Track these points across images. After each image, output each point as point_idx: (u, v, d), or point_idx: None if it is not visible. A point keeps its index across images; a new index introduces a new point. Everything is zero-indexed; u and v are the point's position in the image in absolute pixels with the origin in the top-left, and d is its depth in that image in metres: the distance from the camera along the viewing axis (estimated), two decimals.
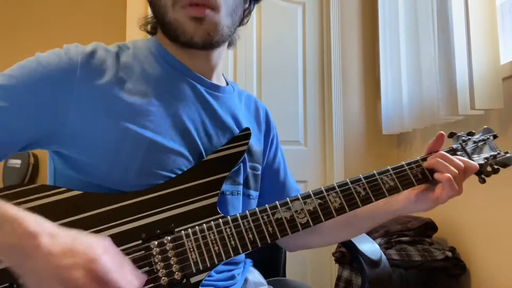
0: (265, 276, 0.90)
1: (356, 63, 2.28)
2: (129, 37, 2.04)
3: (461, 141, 0.79)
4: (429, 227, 1.64)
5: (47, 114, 0.62)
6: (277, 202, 0.66)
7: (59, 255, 0.46)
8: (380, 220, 0.78)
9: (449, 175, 0.67)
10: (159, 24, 0.73)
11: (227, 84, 0.83)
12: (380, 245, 1.54)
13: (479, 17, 1.41)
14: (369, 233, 1.57)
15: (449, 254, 1.52)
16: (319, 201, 0.67)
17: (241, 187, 0.76)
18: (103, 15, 2.39)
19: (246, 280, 0.81)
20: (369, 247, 0.90)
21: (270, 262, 0.93)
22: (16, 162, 2.26)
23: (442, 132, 0.76)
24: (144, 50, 0.74)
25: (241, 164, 0.76)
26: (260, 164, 0.83)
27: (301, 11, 2.28)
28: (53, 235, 0.48)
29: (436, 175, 0.69)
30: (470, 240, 1.56)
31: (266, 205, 0.65)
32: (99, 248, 0.48)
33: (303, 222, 0.65)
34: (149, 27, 0.82)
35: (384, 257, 0.90)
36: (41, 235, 0.47)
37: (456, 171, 0.68)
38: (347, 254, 1.60)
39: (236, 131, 0.76)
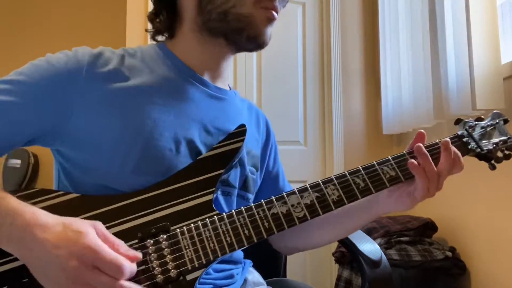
0: (266, 276, 0.90)
1: (356, 63, 2.28)
2: (129, 40, 2.04)
3: (467, 127, 0.75)
4: (429, 227, 1.64)
5: (53, 110, 0.64)
6: (273, 197, 0.65)
7: (53, 246, 0.49)
8: (359, 220, 0.77)
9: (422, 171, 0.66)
10: (215, 13, 0.71)
11: (230, 89, 0.85)
12: (380, 245, 1.53)
13: (479, 17, 1.41)
14: (369, 233, 1.57)
15: (449, 254, 1.51)
16: (317, 194, 0.66)
17: (235, 189, 0.76)
18: (103, 19, 2.39)
19: (245, 281, 0.81)
20: (369, 247, 0.90)
21: (270, 262, 0.93)
22: (16, 162, 2.26)
23: (421, 130, 0.72)
24: (151, 52, 0.76)
25: (238, 167, 0.76)
26: (258, 169, 0.83)
27: (301, 11, 2.27)
28: (46, 226, 0.51)
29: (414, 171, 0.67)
30: (470, 240, 1.56)
31: (262, 200, 0.65)
32: (89, 234, 0.51)
33: (300, 216, 0.64)
34: (158, 33, 0.81)
35: (384, 257, 0.89)
36: (35, 227, 0.51)
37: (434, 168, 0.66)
38: (347, 254, 1.59)
39: None
